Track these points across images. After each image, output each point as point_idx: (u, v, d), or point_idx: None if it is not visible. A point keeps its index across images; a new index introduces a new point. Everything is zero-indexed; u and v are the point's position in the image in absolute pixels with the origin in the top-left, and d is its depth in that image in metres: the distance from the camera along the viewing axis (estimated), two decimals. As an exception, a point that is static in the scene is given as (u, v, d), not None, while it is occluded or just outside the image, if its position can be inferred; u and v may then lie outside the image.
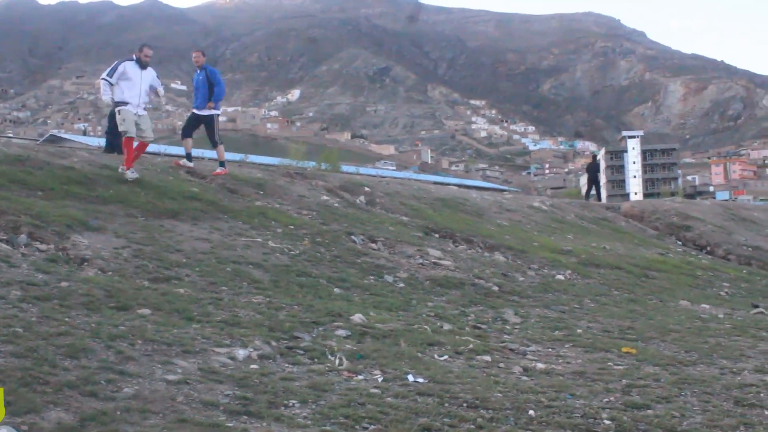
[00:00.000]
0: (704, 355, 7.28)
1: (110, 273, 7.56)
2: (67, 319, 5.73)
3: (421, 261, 11.35)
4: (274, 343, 6.09)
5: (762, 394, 5.76)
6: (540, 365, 6.40)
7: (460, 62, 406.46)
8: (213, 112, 14.43)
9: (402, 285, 9.73)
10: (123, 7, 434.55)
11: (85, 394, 4.31)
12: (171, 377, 4.84)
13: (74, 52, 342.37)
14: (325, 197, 15.24)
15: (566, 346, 7.39)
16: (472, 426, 4.67)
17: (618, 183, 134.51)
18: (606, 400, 5.40)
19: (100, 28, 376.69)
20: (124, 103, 12.32)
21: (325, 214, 13.49)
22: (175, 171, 14.24)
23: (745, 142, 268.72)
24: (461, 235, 14.36)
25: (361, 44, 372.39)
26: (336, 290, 8.75)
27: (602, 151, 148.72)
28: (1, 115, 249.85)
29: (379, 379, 5.48)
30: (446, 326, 7.67)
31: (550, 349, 7.19)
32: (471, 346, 6.84)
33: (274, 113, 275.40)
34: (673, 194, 78.89)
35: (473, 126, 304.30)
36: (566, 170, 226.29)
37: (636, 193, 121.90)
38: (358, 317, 7.28)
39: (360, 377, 5.50)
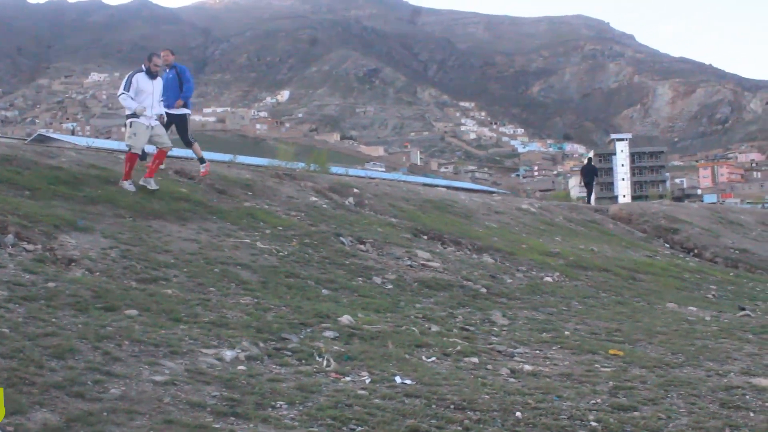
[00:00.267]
0: (691, 357, 7.31)
1: (98, 273, 7.53)
2: (53, 319, 5.71)
3: (409, 263, 11.35)
4: (261, 345, 6.08)
5: (747, 397, 5.79)
6: (527, 367, 6.41)
7: (449, 64, 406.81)
8: (184, 111, 14.14)
9: (390, 286, 9.74)
10: (112, 6, 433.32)
11: (72, 395, 4.30)
12: (158, 378, 4.83)
13: (63, 52, 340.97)
14: (313, 198, 15.23)
15: (554, 348, 7.41)
16: (459, 428, 4.67)
17: (606, 185, 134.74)
18: (593, 401, 5.41)
19: (89, 28, 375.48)
20: (136, 115, 12.07)
21: (313, 215, 13.48)
22: (163, 172, 14.21)
23: (733, 146, 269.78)
24: (450, 236, 14.38)
25: (351, 45, 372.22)
26: (324, 291, 8.75)
27: (591, 154, 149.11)
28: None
29: (367, 381, 5.48)
30: (434, 328, 7.68)
31: (537, 351, 7.21)
32: (459, 347, 6.85)
33: (263, 114, 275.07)
34: (661, 197, 79.34)
35: (462, 128, 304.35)
36: (555, 172, 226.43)
37: (624, 196, 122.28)
38: (346, 319, 7.28)
39: (347, 379, 5.50)
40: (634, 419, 5.03)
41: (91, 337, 5.40)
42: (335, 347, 6.31)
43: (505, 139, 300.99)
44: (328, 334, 6.73)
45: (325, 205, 14.79)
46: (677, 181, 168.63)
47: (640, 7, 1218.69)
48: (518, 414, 4.96)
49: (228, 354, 5.64)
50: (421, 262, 11.55)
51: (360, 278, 9.84)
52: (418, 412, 4.82)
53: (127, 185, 11.84)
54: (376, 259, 11.10)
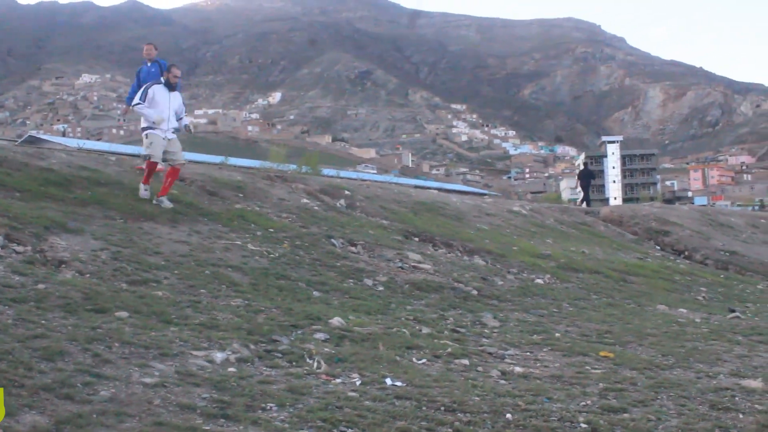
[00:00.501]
0: (681, 359, 7.33)
1: (88, 275, 7.52)
2: (43, 321, 5.69)
3: (400, 265, 11.36)
4: (252, 346, 6.07)
5: (737, 398, 5.80)
6: (518, 369, 6.42)
7: (441, 66, 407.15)
8: None
9: (381, 288, 9.74)
10: (103, 8, 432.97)
11: (61, 397, 4.28)
12: (148, 380, 4.82)
13: (54, 53, 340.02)
14: (305, 200, 15.23)
15: (544, 349, 7.42)
16: (450, 429, 4.67)
17: (597, 187, 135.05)
18: (583, 403, 5.42)
19: (81, 29, 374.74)
20: (152, 128, 11.84)
21: (304, 217, 13.48)
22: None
23: (723, 148, 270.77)
24: (441, 238, 14.39)
25: (343, 47, 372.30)
26: (315, 293, 8.74)
27: (582, 156, 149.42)
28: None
29: (357, 383, 5.47)
30: (425, 330, 7.68)
31: (528, 353, 7.22)
32: (449, 349, 6.86)
33: (254, 116, 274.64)
34: (652, 199, 79.57)
35: (454, 130, 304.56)
36: (546, 175, 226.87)
37: (615, 198, 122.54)
38: (336, 320, 7.28)
39: (338, 381, 5.50)
40: (624, 421, 5.04)
41: (81, 339, 5.38)
42: (326, 349, 6.30)
43: (496, 141, 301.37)
44: (319, 336, 6.72)
45: (316, 207, 14.78)
46: (668, 183, 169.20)
47: (632, 10, 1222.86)
48: (508, 416, 4.96)
49: (218, 356, 5.63)
50: (413, 264, 11.55)
51: (351, 280, 9.84)
52: (409, 414, 4.82)
53: (143, 190, 11.71)
54: (367, 261, 11.10)
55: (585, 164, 36.65)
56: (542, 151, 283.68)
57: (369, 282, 9.92)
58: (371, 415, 4.73)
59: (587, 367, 6.68)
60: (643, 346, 7.99)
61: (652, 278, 15.02)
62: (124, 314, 6.28)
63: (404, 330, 7.44)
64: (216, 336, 6.14)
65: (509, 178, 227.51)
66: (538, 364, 6.73)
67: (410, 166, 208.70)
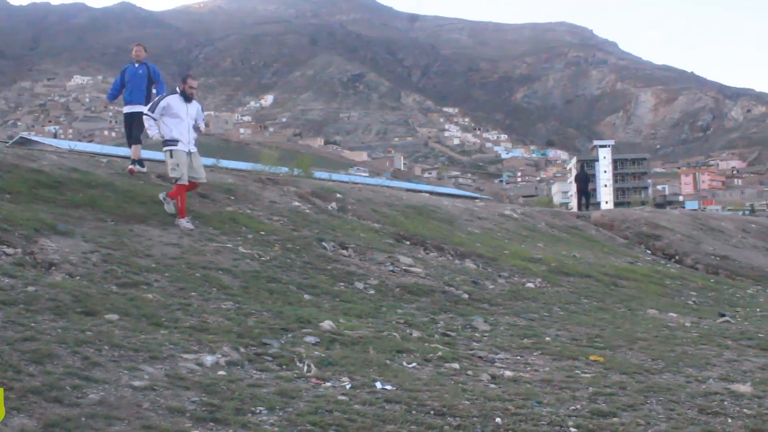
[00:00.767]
0: (670, 363, 7.34)
1: (78, 278, 7.50)
2: (32, 324, 5.67)
3: (391, 268, 11.36)
4: (242, 350, 6.07)
5: (726, 403, 5.82)
6: (508, 373, 6.43)
7: (433, 70, 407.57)
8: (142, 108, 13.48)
9: (372, 292, 9.74)
10: (95, 9, 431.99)
11: (50, 400, 4.27)
12: (137, 383, 4.81)
13: (46, 54, 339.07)
14: (296, 203, 15.21)
15: (535, 353, 7.43)
16: (439, 433, 4.68)
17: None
18: (572, 407, 5.43)
19: (72, 30, 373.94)
20: (174, 142, 11.22)
21: (296, 220, 13.46)
22: (145, 176, 14.15)
23: (714, 153, 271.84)
24: (432, 242, 14.40)
25: (335, 50, 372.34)
26: (306, 297, 8.74)
27: (574, 161, 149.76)
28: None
29: (347, 386, 5.47)
30: (415, 333, 7.68)
31: (518, 357, 7.23)
32: (440, 353, 6.86)
33: (247, 118, 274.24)
34: (643, 203, 79.63)
35: (446, 133, 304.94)
36: (538, 178, 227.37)
37: (606, 202, 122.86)
38: (327, 324, 7.27)
39: (328, 384, 5.50)
40: (613, 425, 5.05)
41: (71, 342, 5.37)
42: (316, 352, 6.30)
43: (488, 144, 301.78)
44: (310, 339, 6.72)
45: (307, 210, 14.77)
46: (659, 187, 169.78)
47: (624, 14, 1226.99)
48: (498, 420, 4.97)
49: (208, 359, 5.62)
50: (404, 267, 11.55)
51: (342, 283, 9.84)
52: (398, 417, 4.82)
53: (185, 223, 10.89)
54: (358, 265, 11.10)
55: (582, 167, 36.80)
56: (534, 155, 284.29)
57: (360, 285, 9.92)
58: (361, 418, 4.73)
59: (577, 372, 6.69)
60: (633, 350, 8.01)
61: (642, 282, 15.06)
62: (114, 317, 6.26)
63: (395, 333, 7.45)
64: (206, 339, 6.13)
65: (501, 181, 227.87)
66: (529, 368, 6.74)
67: (402, 169, 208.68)
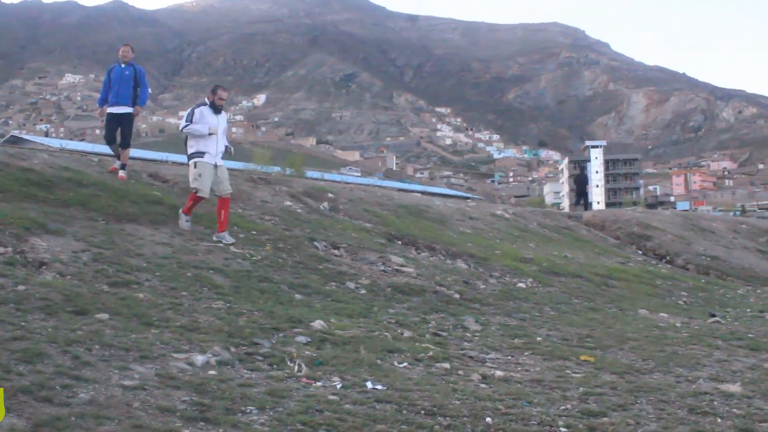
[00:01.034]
0: (661, 363, 7.37)
1: (69, 277, 7.48)
2: (23, 323, 5.66)
3: (383, 268, 11.36)
4: (233, 349, 6.06)
5: (715, 403, 5.84)
6: (498, 373, 6.44)
7: (425, 70, 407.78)
8: (130, 110, 13.49)
9: (364, 292, 9.74)
10: (88, 7, 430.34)
11: (40, 400, 4.26)
12: (128, 383, 4.80)
13: (37, 52, 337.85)
14: (288, 203, 15.21)
15: (525, 353, 7.44)
16: (430, 433, 4.68)
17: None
18: (563, 407, 5.44)
19: (64, 29, 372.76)
20: (201, 154, 10.97)
21: (288, 219, 13.46)
22: (137, 174, 14.13)
23: (706, 154, 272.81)
24: (424, 242, 14.41)
25: (328, 50, 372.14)
26: (297, 296, 8.73)
27: (566, 161, 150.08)
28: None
29: (338, 386, 5.48)
30: (407, 333, 7.69)
31: (509, 357, 7.24)
32: (431, 353, 6.87)
33: (239, 117, 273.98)
34: (634, 204, 79.87)
35: (438, 133, 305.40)
36: (530, 179, 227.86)
37: (598, 203, 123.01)
38: (318, 324, 7.27)
39: (319, 384, 5.50)
40: (603, 425, 5.07)
41: (61, 341, 5.36)
42: (307, 352, 6.30)
43: (480, 145, 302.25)
44: (301, 339, 6.72)
45: (299, 210, 14.77)
46: (651, 188, 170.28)
47: (616, 15, 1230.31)
48: (488, 419, 4.98)
49: (199, 359, 5.61)
50: (395, 267, 11.56)
51: (333, 283, 9.84)
52: (389, 417, 4.83)
53: (184, 220, 10.94)
54: (349, 264, 11.10)
55: (581, 169, 36.95)
56: (526, 155, 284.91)
57: (351, 285, 9.93)
58: (351, 418, 4.73)
59: (568, 371, 6.71)
60: (623, 350, 8.03)
61: (633, 283, 15.10)
62: (104, 316, 6.25)
63: (386, 333, 7.45)
64: (197, 339, 6.12)
65: (493, 181, 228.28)
66: (519, 368, 6.75)
67: (394, 169, 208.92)
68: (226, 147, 11.48)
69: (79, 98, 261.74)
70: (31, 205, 9.97)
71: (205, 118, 11.06)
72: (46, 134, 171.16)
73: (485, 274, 12.80)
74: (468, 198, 45.92)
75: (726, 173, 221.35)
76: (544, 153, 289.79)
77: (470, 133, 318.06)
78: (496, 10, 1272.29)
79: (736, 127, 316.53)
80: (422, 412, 5.03)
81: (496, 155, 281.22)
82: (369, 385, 5.55)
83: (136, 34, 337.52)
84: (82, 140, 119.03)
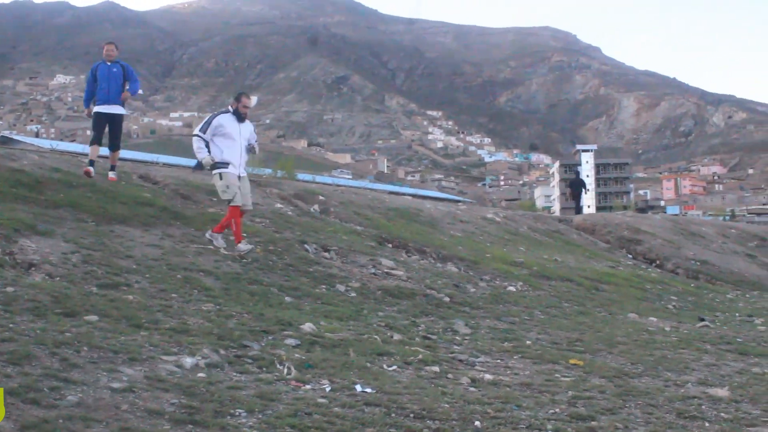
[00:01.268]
0: (650, 367, 7.39)
1: (58, 278, 7.46)
2: (11, 324, 5.63)
3: (373, 271, 11.36)
4: (222, 352, 6.05)
5: (704, 407, 5.86)
6: (488, 376, 6.44)
7: (417, 73, 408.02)
8: (125, 110, 13.35)
9: (354, 294, 9.74)
10: (79, 8, 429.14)
11: (27, 402, 4.24)
12: (116, 385, 4.78)
13: (28, 53, 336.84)
14: (279, 205, 15.20)
15: (515, 357, 7.45)
16: (418, 437, 4.68)
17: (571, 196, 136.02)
18: (551, 411, 5.45)
19: (55, 29, 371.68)
20: (225, 165, 10.49)
21: (278, 222, 13.45)
22: (127, 175, 14.10)
23: (696, 158, 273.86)
24: (414, 245, 14.41)
25: (319, 52, 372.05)
26: (287, 299, 8.73)
27: (556, 165, 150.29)
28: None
29: (327, 389, 5.47)
30: (396, 336, 7.69)
31: (498, 361, 7.25)
32: (420, 356, 6.87)
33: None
34: (625, 208, 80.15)
35: (430, 136, 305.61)
36: (521, 182, 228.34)
37: (588, 206, 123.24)
38: (308, 326, 7.27)
39: (308, 387, 5.49)
40: (592, 429, 5.08)
41: (49, 343, 5.33)
42: (296, 355, 6.29)
43: (471, 148, 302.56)
44: (290, 341, 6.71)
45: (290, 212, 14.76)
46: (641, 192, 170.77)
47: (607, 20, 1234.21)
48: (477, 423, 4.98)
49: (188, 361, 5.60)
50: (385, 270, 11.56)
51: (323, 286, 9.84)
52: (378, 420, 4.83)
53: (219, 239, 10.47)
54: (340, 267, 11.09)
55: (577, 173, 37.04)
56: (517, 159, 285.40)
57: (341, 288, 9.92)
58: (340, 421, 4.73)
59: (557, 375, 6.72)
60: (612, 354, 8.05)
61: (623, 287, 15.13)
62: (93, 318, 6.23)
63: (376, 336, 7.45)
64: (186, 341, 6.11)
65: (484, 185, 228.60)
66: (509, 372, 6.76)
67: (386, 171, 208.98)
68: (252, 146, 11.03)
69: (70, 99, 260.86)
70: (20, 206, 9.93)
71: (224, 128, 10.55)
72: (37, 135, 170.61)
73: (475, 278, 12.81)
74: (459, 201, 45.96)
75: (716, 178, 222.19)
76: (535, 157, 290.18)
77: (461, 136, 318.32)
78: (487, 14, 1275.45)
79: (726, 132, 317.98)
80: (411, 415, 5.03)
81: (487, 158, 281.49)
82: (358, 388, 5.55)
83: (127, 34, 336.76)
84: (72, 141, 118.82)
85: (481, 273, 13.29)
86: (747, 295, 17.04)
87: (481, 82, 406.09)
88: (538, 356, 7.51)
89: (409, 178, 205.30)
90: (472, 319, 9.49)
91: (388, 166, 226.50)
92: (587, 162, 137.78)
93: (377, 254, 12.62)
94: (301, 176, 30.37)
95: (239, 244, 10.36)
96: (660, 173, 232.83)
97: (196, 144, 10.55)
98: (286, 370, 5.81)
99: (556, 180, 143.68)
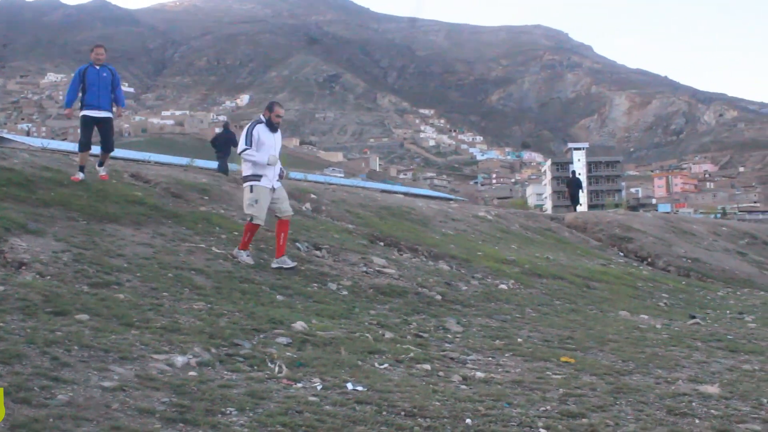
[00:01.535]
0: (640, 364, 7.40)
1: (49, 277, 7.44)
2: (1, 324, 5.62)
3: (365, 269, 11.36)
4: (213, 350, 6.04)
5: (694, 404, 5.88)
6: (479, 374, 6.44)
7: (409, 71, 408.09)
8: (110, 114, 12.90)
9: (345, 293, 9.73)
10: (69, 6, 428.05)
11: (17, 401, 4.23)
12: (107, 384, 4.77)
13: (19, 51, 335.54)
14: (270, 204, 15.17)
15: (506, 355, 7.45)
16: (410, 434, 4.68)
17: (563, 194, 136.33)
18: (542, 408, 5.45)
19: (46, 27, 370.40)
20: (257, 177, 10.30)
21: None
22: (118, 174, 14.07)
23: (687, 157, 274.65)
24: (406, 243, 14.42)
25: (311, 51, 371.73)
26: (279, 297, 8.72)
27: (548, 163, 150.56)
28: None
29: (318, 387, 5.47)
30: (388, 335, 7.69)
31: (490, 358, 7.25)
32: (411, 354, 6.87)
33: (222, 117, 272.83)
34: (616, 206, 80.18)
35: (422, 135, 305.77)
36: (513, 180, 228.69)
37: (580, 204, 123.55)
38: (299, 325, 7.26)
39: (299, 385, 5.48)
40: (582, 426, 5.08)
41: (40, 342, 5.32)
42: (288, 353, 6.29)
43: (463, 146, 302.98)
44: (281, 340, 6.70)
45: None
46: (633, 190, 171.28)
47: (599, 18, 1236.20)
48: (468, 421, 4.98)
49: (179, 360, 5.59)
50: (377, 268, 11.56)
51: (315, 284, 9.83)
52: (369, 419, 4.82)
53: (245, 256, 10.16)
54: (331, 265, 11.09)
55: (573, 173, 37.15)
56: (509, 157, 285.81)
57: (333, 286, 9.92)
58: (331, 419, 4.72)
59: (548, 373, 6.72)
60: (604, 351, 8.06)
61: (614, 284, 15.16)
62: (84, 317, 6.22)
63: (367, 335, 7.45)
64: (177, 339, 6.10)
65: (476, 183, 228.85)
66: (500, 370, 6.76)
67: (378, 170, 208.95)
68: (281, 170, 10.81)
69: (61, 97, 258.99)
70: (11, 204, 9.90)
71: (263, 138, 10.33)
72: (28, 133, 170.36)
73: (467, 276, 12.82)
74: (451, 199, 45.99)
75: (707, 176, 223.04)
76: (526, 155, 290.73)
77: (453, 134, 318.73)
78: (479, 13, 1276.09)
79: (717, 130, 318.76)
80: (402, 413, 5.03)
81: (479, 157, 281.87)
82: (349, 386, 5.55)
83: (118, 33, 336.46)
84: (64, 140, 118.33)
85: (473, 271, 13.31)
86: (737, 293, 17.10)
87: (473, 81, 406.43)
88: (529, 354, 7.51)
89: (401, 176, 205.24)
90: (464, 317, 9.50)
91: (380, 165, 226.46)
92: (579, 160, 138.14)
93: (369, 252, 12.62)
94: (293, 174, 30.34)
95: (242, 251, 10.21)
96: (651, 171, 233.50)
97: (249, 159, 10.31)
98: (277, 369, 5.81)
99: (548, 178, 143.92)
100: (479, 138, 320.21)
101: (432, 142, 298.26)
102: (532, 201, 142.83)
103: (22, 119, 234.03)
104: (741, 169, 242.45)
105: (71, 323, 6.00)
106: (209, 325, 6.73)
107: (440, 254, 14.13)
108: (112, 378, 4.92)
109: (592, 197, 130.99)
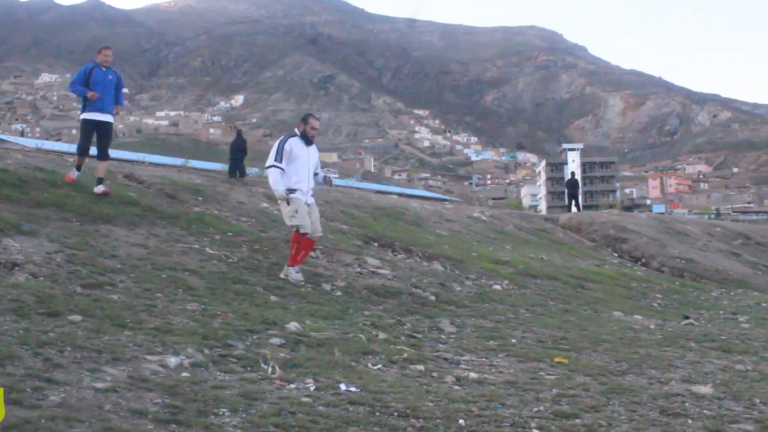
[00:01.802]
0: (634, 365, 7.42)
1: (42, 278, 7.42)
2: (-6, 324, 5.60)
3: (359, 270, 11.36)
4: (207, 351, 6.03)
5: (687, 404, 5.89)
6: (473, 375, 6.45)
7: (404, 72, 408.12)
8: (113, 118, 12.59)
9: (339, 294, 9.73)
10: (64, 6, 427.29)
11: (9, 402, 4.21)
12: (99, 385, 4.76)
13: (12, 51, 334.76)
14: (264, 204, 15.18)
15: (500, 355, 7.46)
16: (402, 435, 4.69)
17: (558, 194, 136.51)
18: (536, 409, 5.46)
19: (40, 28, 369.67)
20: (292, 191, 9.94)
21: (264, 221, 13.43)
22: (112, 175, 14.04)
23: (681, 157, 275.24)
24: (400, 244, 14.42)
25: (306, 51, 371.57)
26: (272, 298, 8.71)
27: (543, 163, 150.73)
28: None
29: (312, 388, 5.46)
30: (382, 335, 7.69)
31: (483, 359, 7.26)
32: (405, 355, 6.87)
33: (217, 118, 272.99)
34: (611, 206, 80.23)
35: (416, 135, 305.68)
36: (507, 181, 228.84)
37: (579, 206, 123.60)
38: (293, 325, 7.26)
39: (292, 386, 5.48)
40: (576, 426, 5.09)
41: (32, 343, 5.31)
42: (281, 354, 6.28)
43: (458, 147, 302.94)
44: (275, 341, 6.70)
45: (275, 212, 14.71)
46: (627, 191, 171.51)
47: (593, 19, 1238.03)
48: (461, 421, 4.98)
49: (172, 361, 5.58)
50: (371, 269, 11.57)
51: (309, 285, 9.82)
52: (362, 419, 4.82)
53: (294, 273, 9.89)
54: (325, 266, 11.10)
55: (572, 173, 37.25)
56: (504, 158, 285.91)
57: (327, 287, 9.92)
58: (324, 420, 4.72)
59: (542, 373, 6.73)
60: (597, 352, 8.08)
61: (608, 285, 15.19)
62: (77, 318, 6.20)
63: (361, 335, 7.45)
64: (170, 340, 6.09)
65: (471, 184, 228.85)
66: (493, 370, 6.77)
67: (372, 171, 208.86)
68: (326, 177, 10.68)
69: (55, 98, 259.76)
70: (4, 205, 9.88)
71: (295, 151, 9.99)
72: (22, 134, 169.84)
73: (461, 276, 12.83)
74: (445, 200, 46.00)
75: (701, 177, 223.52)
76: (521, 155, 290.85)
77: (448, 135, 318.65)
78: (474, 13, 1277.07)
79: (711, 131, 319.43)
80: (395, 414, 5.03)
81: (473, 157, 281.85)
82: (343, 387, 5.55)
83: (112, 33, 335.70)
84: (58, 140, 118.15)
85: (467, 272, 13.32)
86: (731, 293, 17.14)
87: (467, 81, 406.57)
88: (523, 354, 7.52)
89: (396, 177, 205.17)
90: (458, 318, 9.51)
91: (374, 165, 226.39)
92: (573, 161, 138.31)
93: (363, 253, 12.62)
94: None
95: (291, 268, 9.95)
96: (646, 172, 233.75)
97: (274, 176, 9.93)
98: (270, 370, 5.80)
99: (542, 179, 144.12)
100: (474, 139, 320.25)
101: (427, 143, 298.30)
102: (526, 202, 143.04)
103: (16, 120, 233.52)
104: (735, 169, 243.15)
105: (64, 324, 5.99)
106: (202, 326, 6.72)
107: (434, 255, 14.14)
108: (105, 379, 4.91)
109: (586, 198, 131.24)
